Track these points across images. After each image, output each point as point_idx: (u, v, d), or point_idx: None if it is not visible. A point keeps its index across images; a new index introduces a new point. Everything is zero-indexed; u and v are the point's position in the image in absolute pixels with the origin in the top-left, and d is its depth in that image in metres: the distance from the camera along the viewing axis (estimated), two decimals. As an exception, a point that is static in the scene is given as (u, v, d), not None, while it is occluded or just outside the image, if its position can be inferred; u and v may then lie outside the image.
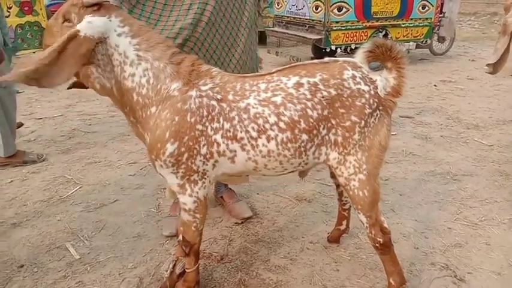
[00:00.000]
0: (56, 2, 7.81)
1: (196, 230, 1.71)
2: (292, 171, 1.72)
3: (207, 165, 1.59)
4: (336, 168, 1.64)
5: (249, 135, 1.54)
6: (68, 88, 1.76)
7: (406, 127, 4.15)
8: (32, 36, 6.30)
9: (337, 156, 1.61)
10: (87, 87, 1.65)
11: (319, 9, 6.35)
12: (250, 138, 1.55)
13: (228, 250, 2.23)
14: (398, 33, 6.95)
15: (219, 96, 1.55)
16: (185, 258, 1.82)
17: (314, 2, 6.42)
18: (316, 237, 2.32)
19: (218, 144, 1.55)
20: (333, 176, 2.08)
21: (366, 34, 6.58)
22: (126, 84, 1.54)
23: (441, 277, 2.00)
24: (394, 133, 3.94)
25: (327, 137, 1.59)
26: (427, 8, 7.01)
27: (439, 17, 7.43)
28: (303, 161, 1.64)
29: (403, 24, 6.92)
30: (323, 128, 1.57)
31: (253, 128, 1.54)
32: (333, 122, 1.57)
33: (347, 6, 6.32)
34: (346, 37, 6.49)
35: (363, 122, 1.56)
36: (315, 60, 1.66)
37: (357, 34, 6.53)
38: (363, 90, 1.56)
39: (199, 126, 1.53)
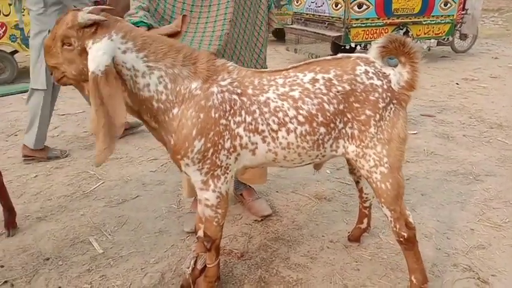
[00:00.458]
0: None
1: (218, 225, 1.73)
2: (309, 163, 1.75)
3: (230, 158, 1.62)
4: (356, 161, 1.67)
5: (269, 128, 1.58)
6: None
7: (428, 126, 4.09)
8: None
9: (355, 149, 1.64)
10: None
11: (339, 6, 6.30)
12: (271, 130, 1.58)
13: (248, 247, 2.24)
14: (419, 30, 6.84)
15: (239, 91, 1.58)
16: (206, 254, 1.84)
17: (334, -1, 6.37)
18: (336, 236, 2.32)
19: (241, 137, 1.58)
20: (351, 172, 2.08)
21: (386, 31, 6.49)
22: (142, 95, 1.52)
23: (464, 279, 1.98)
24: (415, 132, 3.90)
25: (343, 131, 1.63)
26: (449, 4, 6.88)
27: (462, 14, 7.29)
28: (321, 153, 1.67)
29: (424, 21, 6.81)
30: (339, 122, 1.61)
31: (273, 121, 1.57)
32: (349, 116, 1.60)
33: (367, 3, 6.25)
34: (366, 34, 6.43)
35: (377, 115, 1.58)
36: (328, 57, 1.69)
37: (377, 31, 6.45)
38: (376, 84, 1.59)
39: (223, 121, 1.55)
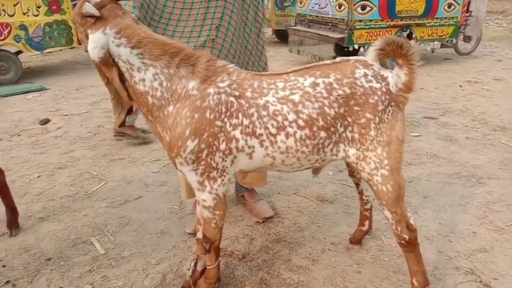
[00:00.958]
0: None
1: (216, 227, 1.73)
2: (308, 168, 1.75)
3: (226, 161, 1.61)
4: (356, 163, 1.66)
5: (268, 132, 1.57)
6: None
7: (430, 128, 4.08)
8: (59, 35, 6.44)
9: (356, 152, 1.63)
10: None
11: (343, 7, 6.30)
12: (269, 134, 1.58)
13: (250, 249, 2.24)
14: (423, 32, 6.84)
15: (237, 93, 1.58)
16: (206, 256, 1.84)
17: (337, 0, 6.37)
18: (338, 239, 2.32)
19: (237, 140, 1.58)
20: (351, 174, 2.08)
21: (389, 33, 6.49)
22: (138, 89, 1.57)
23: (466, 282, 1.97)
24: (417, 134, 3.89)
25: (344, 134, 1.62)
26: (453, 6, 6.87)
27: (466, 16, 7.27)
28: (320, 157, 1.67)
29: (428, 23, 6.80)
30: (340, 126, 1.61)
31: (272, 125, 1.56)
32: (349, 119, 1.60)
33: (371, 4, 6.25)
34: (370, 36, 6.42)
35: (377, 118, 1.58)
36: (327, 61, 1.69)
37: (381, 33, 6.44)
38: (375, 87, 1.59)
39: (218, 123, 1.55)
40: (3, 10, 5.78)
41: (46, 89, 5.81)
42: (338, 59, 1.68)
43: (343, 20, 6.34)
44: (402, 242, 1.71)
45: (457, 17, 6.99)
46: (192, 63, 1.58)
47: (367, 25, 6.36)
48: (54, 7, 6.30)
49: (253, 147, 1.60)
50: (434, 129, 4.05)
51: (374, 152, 1.61)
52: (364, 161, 1.63)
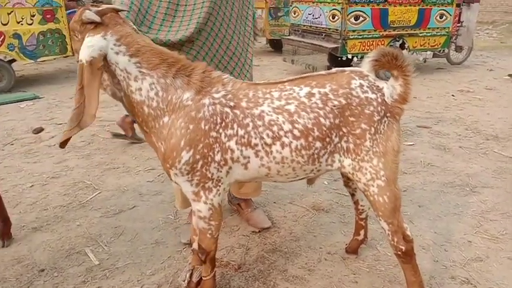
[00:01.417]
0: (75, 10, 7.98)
1: (212, 238, 1.73)
2: (303, 178, 1.74)
3: (221, 172, 1.61)
4: (352, 174, 1.66)
5: (263, 142, 1.57)
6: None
7: (424, 137, 4.11)
8: (52, 43, 6.42)
9: (351, 162, 1.63)
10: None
11: (336, 18, 6.36)
12: (265, 144, 1.57)
13: (246, 259, 2.23)
14: (416, 42, 6.92)
15: (232, 103, 1.57)
16: (201, 266, 1.83)
17: (331, 11, 6.43)
18: (334, 248, 2.31)
19: (232, 151, 1.57)
20: (346, 184, 2.08)
21: (382, 43, 6.56)
22: (134, 98, 1.56)
23: (462, 291, 1.97)
24: (411, 143, 3.91)
25: (339, 145, 1.63)
26: (444, 17, 6.98)
27: (457, 27, 7.39)
28: (316, 167, 1.66)
29: (420, 33, 6.89)
30: (335, 136, 1.61)
31: (267, 135, 1.56)
32: (344, 130, 1.60)
33: (364, 15, 6.32)
34: (363, 46, 6.48)
35: (372, 129, 1.59)
36: (323, 71, 1.70)
37: (374, 43, 6.51)
38: (371, 98, 1.60)
39: (213, 133, 1.55)
40: (-3, 19, 5.77)
41: (39, 98, 5.77)
42: (334, 69, 1.69)
43: (336, 30, 6.40)
44: (399, 253, 1.71)
45: (448, 28, 7.10)
46: (188, 73, 1.58)
47: (360, 35, 6.42)
48: (48, 16, 6.29)
49: (249, 157, 1.59)
50: (428, 138, 4.08)
51: (370, 163, 1.61)
52: (360, 171, 1.63)
